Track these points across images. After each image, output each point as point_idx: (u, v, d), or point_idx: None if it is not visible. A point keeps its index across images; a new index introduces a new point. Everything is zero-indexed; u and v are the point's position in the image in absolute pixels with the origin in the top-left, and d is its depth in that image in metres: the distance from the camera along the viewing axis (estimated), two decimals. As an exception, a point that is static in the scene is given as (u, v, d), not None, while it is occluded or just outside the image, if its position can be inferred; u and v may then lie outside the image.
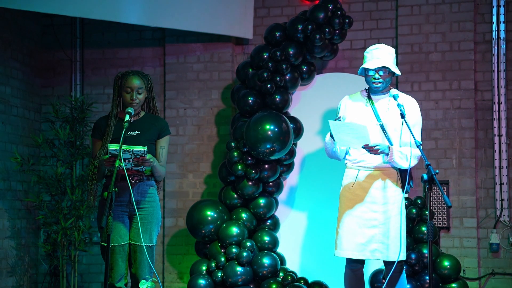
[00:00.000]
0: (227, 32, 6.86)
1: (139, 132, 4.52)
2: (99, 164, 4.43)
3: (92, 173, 4.48)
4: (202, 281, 6.06)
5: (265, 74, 6.24)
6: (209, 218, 6.23)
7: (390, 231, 4.52)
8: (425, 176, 4.05)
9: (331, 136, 4.53)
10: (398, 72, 4.61)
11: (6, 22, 6.74)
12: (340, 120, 4.59)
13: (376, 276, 6.10)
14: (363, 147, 4.41)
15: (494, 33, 6.60)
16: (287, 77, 6.31)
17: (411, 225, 6.12)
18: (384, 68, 4.55)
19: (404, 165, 4.50)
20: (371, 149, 4.40)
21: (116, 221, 4.45)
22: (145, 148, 4.29)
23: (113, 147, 4.23)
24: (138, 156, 4.29)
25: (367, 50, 4.64)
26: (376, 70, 4.54)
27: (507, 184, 6.49)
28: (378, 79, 4.56)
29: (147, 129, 4.55)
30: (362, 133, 4.33)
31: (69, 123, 6.74)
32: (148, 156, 4.33)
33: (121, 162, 4.24)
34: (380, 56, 4.54)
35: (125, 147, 4.24)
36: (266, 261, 6.08)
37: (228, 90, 6.91)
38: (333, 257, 4.69)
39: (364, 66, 4.58)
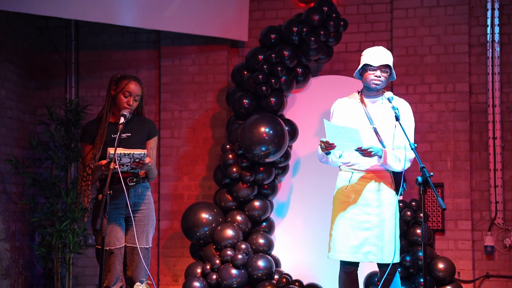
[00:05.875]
0: (222, 35, 6.87)
1: (130, 134, 4.50)
2: (95, 168, 4.41)
3: (86, 174, 4.44)
4: (197, 284, 6.06)
5: (260, 77, 6.24)
6: (204, 220, 6.23)
7: (384, 233, 4.52)
8: (419, 179, 4.05)
9: (324, 152, 4.50)
10: (394, 76, 4.61)
11: (1, 24, 6.74)
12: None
13: (371, 278, 6.10)
14: (356, 150, 4.40)
15: (488, 36, 6.61)
16: (282, 80, 6.32)
17: (406, 228, 6.12)
18: (386, 67, 4.53)
19: (398, 167, 4.49)
20: (365, 152, 4.39)
21: (113, 224, 4.44)
22: (145, 152, 4.28)
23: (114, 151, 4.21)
24: (137, 160, 4.29)
25: (368, 49, 4.58)
26: (379, 67, 4.51)
27: (502, 186, 6.51)
28: (379, 77, 4.52)
29: (137, 131, 4.54)
30: (354, 136, 4.33)
31: (64, 125, 6.73)
32: (147, 159, 4.33)
33: (116, 165, 4.22)
34: (383, 55, 4.53)
35: (125, 151, 4.23)
36: (261, 263, 6.08)
37: (223, 92, 6.92)
38: (328, 260, 4.69)
39: (367, 62, 4.51)
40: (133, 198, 4.48)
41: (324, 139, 4.35)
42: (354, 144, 4.36)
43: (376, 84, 4.54)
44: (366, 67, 4.55)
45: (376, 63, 4.50)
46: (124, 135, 4.46)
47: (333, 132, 4.34)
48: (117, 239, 4.46)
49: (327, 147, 4.37)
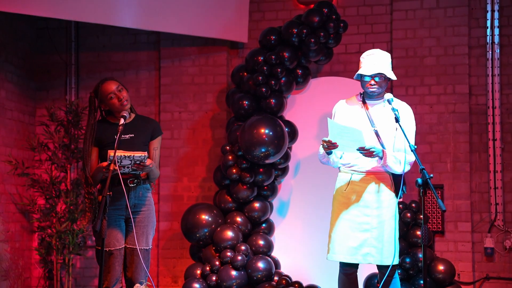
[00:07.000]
0: (222, 36, 6.87)
1: (133, 135, 4.50)
2: (96, 170, 4.41)
3: (89, 180, 4.43)
4: (196, 285, 6.05)
5: (260, 78, 6.24)
6: (204, 221, 6.23)
7: (383, 235, 4.51)
8: (419, 180, 4.05)
9: (325, 151, 4.50)
10: (393, 77, 4.61)
11: (1, 25, 6.74)
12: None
13: (370, 280, 6.10)
14: (357, 150, 4.40)
15: (488, 37, 6.61)
16: (282, 81, 6.31)
17: (406, 229, 6.12)
18: (380, 74, 4.54)
19: (398, 169, 4.49)
20: (367, 152, 4.39)
21: (113, 225, 4.44)
22: (146, 154, 4.28)
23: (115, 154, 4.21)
24: (138, 162, 4.28)
25: (363, 55, 4.63)
26: (372, 76, 4.54)
27: (502, 188, 6.50)
28: (374, 85, 4.55)
29: (140, 131, 4.54)
30: (357, 137, 4.32)
31: (64, 126, 6.73)
32: (148, 161, 4.32)
33: (116, 167, 4.22)
34: (376, 62, 4.54)
35: (125, 153, 4.22)
36: (260, 265, 6.07)
37: (223, 93, 6.92)
38: (328, 261, 4.69)
39: (360, 72, 4.57)
40: (133, 199, 4.47)
41: (327, 139, 4.35)
42: (356, 144, 4.35)
43: (373, 92, 4.57)
44: (361, 75, 4.58)
45: (368, 73, 4.52)
46: (127, 136, 4.46)
47: (336, 131, 4.33)
48: (117, 240, 4.46)
49: (329, 147, 4.37)
